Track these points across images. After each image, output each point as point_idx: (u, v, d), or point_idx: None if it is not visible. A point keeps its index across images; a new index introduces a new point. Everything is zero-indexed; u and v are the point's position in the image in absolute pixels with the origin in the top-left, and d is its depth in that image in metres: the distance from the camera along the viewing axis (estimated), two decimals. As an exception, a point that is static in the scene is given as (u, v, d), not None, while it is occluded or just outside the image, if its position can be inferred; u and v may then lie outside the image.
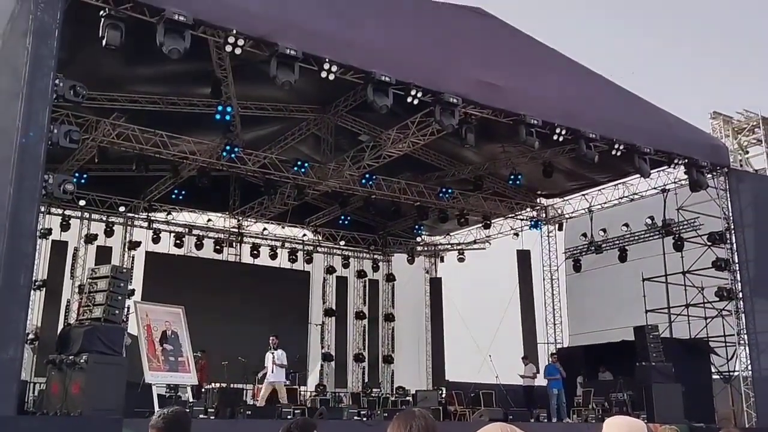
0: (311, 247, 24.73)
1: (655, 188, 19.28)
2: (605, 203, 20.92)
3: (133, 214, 21.47)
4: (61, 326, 17.64)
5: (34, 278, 14.67)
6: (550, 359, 17.81)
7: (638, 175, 17.62)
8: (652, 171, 17.05)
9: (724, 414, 17.29)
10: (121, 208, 20.85)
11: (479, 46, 14.80)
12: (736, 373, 17.49)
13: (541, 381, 18.08)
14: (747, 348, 16.86)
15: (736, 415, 16.98)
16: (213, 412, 13.01)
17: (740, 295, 17.14)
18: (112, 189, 20.19)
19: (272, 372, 14.60)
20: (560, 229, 22.67)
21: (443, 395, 18.06)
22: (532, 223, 22.68)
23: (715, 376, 18.10)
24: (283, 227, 23.75)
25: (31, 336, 17.47)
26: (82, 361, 10.28)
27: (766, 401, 16.16)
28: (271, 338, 15.00)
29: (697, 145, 17.11)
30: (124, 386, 10.68)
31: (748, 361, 16.79)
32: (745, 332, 16.92)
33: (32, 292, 14.46)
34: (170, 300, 14.19)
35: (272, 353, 14.70)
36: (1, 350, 9.27)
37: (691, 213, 18.42)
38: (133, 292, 16.80)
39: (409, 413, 2.63)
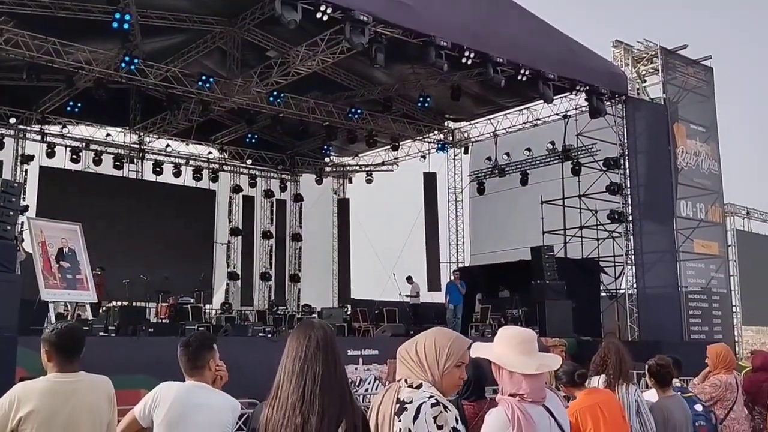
0: (217, 166, 24.24)
1: (557, 114, 19.85)
2: (510, 128, 21.43)
3: (25, 127, 20.31)
4: (-52, 243, 16.77)
5: None
6: (451, 276, 18.44)
7: (542, 101, 18.04)
8: (554, 97, 17.51)
9: (610, 328, 18.46)
10: (12, 120, 19.67)
11: (391, -37, 14.50)
12: (622, 291, 18.67)
13: (425, 298, 18.89)
14: (633, 267, 17.98)
15: (621, 330, 18.16)
16: (114, 330, 12.83)
17: (630, 218, 18.13)
18: (2, 99, 18.98)
19: None
20: (466, 152, 23.13)
21: (348, 312, 18.49)
22: (439, 146, 23.00)
23: (602, 294, 19.23)
24: (187, 144, 23.13)
25: None
26: (-29, 278, 9.87)
27: (648, 317, 17.38)
28: None
29: (598, 73, 17.61)
30: (18, 303, 10.34)
31: (634, 280, 17.94)
32: (632, 253, 18.00)
33: None
34: (67, 217, 13.67)
35: None
36: None
37: (589, 139, 19.04)
38: (26, 208, 16.11)
39: (308, 324, 2.65)
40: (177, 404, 3.25)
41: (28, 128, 20.42)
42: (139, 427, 3.29)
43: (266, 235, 25.04)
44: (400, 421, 2.42)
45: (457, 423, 2.45)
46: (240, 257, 24.34)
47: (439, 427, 2.40)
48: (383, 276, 19.90)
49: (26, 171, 20.22)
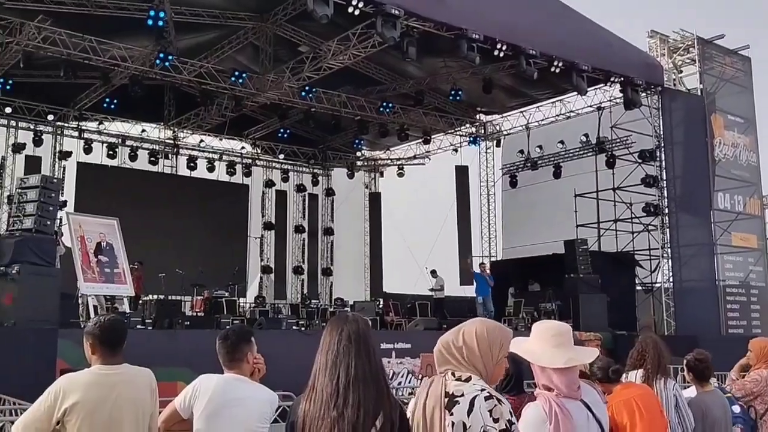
0: (250, 160, 24.43)
1: (590, 106, 19.66)
2: (542, 120, 21.28)
3: (62, 123, 20.69)
4: (-10, 238, 17.19)
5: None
6: (478, 269, 18.39)
7: (575, 93, 17.88)
8: (588, 89, 17.33)
9: (646, 323, 18.25)
10: (50, 117, 20.05)
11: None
12: (658, 285, 18.41)
13: (457, 292, 18.84)
14: (669, 261, 17.73)
15: (657, 324, 17.95)
16: (151, 323, 13.05)
17: (666, 210, 17.88)
18: (40, 96, 19.37)
19: None
20: (498, 145, 23.01)
21: (380, 306, 18.54)
22: (471, 139, 22.91)
23: (638, 288, 19.00)
24: (220, 139, 23.32)
25: (-42, 248, 16.97)
26: (13, 272, 10.09)
27: (685, 311, 17.13)
28: None
29: (633, 64, 17.37)
30: (59, 297, 10.58)
31: (670, 273, 17.69)
32: (668, 246, 17.75)
33: (-42, 202, 14.02)
34: (104, 212, 13.93)
35: None
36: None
37: (623, 131, 18.83)
38: (65, 203, 16.38)
39: (341, 317, 2.68)
40: (216, 396, 3.30)
41: (66, 125, 20.81)
42: (180, 419, 3.35)
43: (298, 229, 25.19)
44: (452, 414, 2.38)
45: (511, 416, 2.43)
46: (273, 251, 24.52)
47: (495, 420, 2.37)
48: (415, 270, 19.91)
49: (64, 167, 20.58)
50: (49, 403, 3.13)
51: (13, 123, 19.92)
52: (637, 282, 19.03)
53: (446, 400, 2.43)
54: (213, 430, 3.26)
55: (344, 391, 2.42)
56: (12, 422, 3.97)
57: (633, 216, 18.78)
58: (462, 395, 2.43)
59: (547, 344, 2.80)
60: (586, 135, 20.23)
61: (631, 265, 19.02)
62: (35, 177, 11.75)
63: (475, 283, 17.85)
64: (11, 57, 15.50)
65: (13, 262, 10.22)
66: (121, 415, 3.21)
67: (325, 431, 2.41)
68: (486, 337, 2.55)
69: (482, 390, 2.45)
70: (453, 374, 2.51)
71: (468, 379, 2.48)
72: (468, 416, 2.37)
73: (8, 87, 17.06)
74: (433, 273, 18.92)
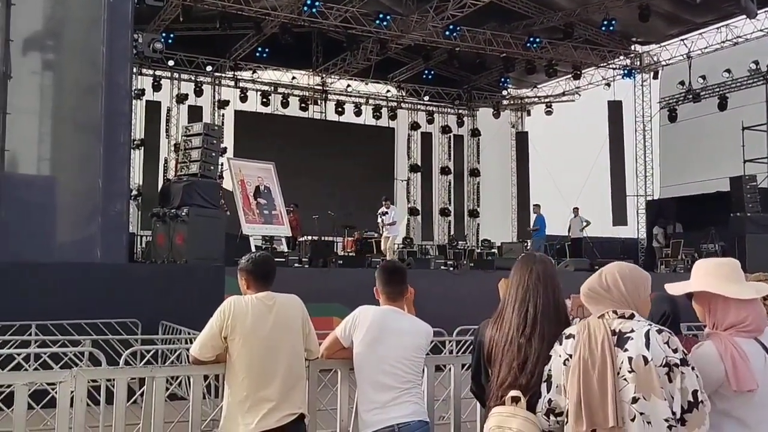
0: (395, 104, 24.63)
1: (761, 30, 17.97)
2: (705, 48, 19.71)
3: (220, 74, 21.79)
4: (161, 182, 18.60)
5: (132, 137, 15.31)
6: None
7: (743, 16, 16.40)
8: (759, 11, 15.83)
9: (821, 265, 16.81)
10: (209, 68, 21.16)
11: None
12: (837, 224, 16.82)
13: (610, 233, 18.04)
14: None
15: (835, 266, 16.49)
16: (307, 262, 13.67)
17: None
18: (199, 49, 20.47)
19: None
20: (655, 77, 21.63)
21: (528, 247, 18.29)
22: (626, 72, 21.69)
23: (815, 227, 17.47)
24: (366, 84, 23.64)
25: (134, 192, 18.52)
26: (183, 214, 10.79)
27: None
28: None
29: (813, -20, 15.64)
30: (224, 237, 11.26)
31: None
32: None
33: (132, 150, 15.20)
34: (260, 157, 14.62)
35: (381, 217, 15.29)
36: (110, 205, 9.92)
37: (801, 55, 17.14)
38: (225, 149, 17.34)
39: (529, 256, 2.94)
40: (374, 326, 3.43)
41: (223, 75, 21.91)
42: (341, 347, 3.53)
43: (444, 170, 25.25)
44: (626, 350, 2.36)
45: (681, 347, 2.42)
46: (419, 193, 24.81)
47: (674, 351, 2.36)
48: (564, 210, 19.39)
49: (223, 115, 21.81)
50: (219, 321, 3.39)
51: (176, 75, 21.23)
52: (813, 221, 17.47)
53: (615, 338, 2.41)
54: (372, 357, 3.39)
55: (532, 322, 2.73)
56: (187, 349, 4.34)
57: (810, 149, 17.19)
58: (632, 331, 2.41)
59: (723, 279, 2.63)
60: (756, 62, 18.55)
61: (807, 202, 17.47)
62: (198, 125, 12.44)
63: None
64: (171, 12, 16.43)
65: (183, 205, 10.96)
66: (279, 337, 3.42)
67: (511, 355, 2.72)
68: (630, 277, 2.55)
69: (650, 324, 2.42)
70: (615, 312, 2.47)
71: (631, 316, 2.45)
72: (648, 349, 2.35)
73: (170, 41, 18.09)
74: (575, 211, 18.33)
